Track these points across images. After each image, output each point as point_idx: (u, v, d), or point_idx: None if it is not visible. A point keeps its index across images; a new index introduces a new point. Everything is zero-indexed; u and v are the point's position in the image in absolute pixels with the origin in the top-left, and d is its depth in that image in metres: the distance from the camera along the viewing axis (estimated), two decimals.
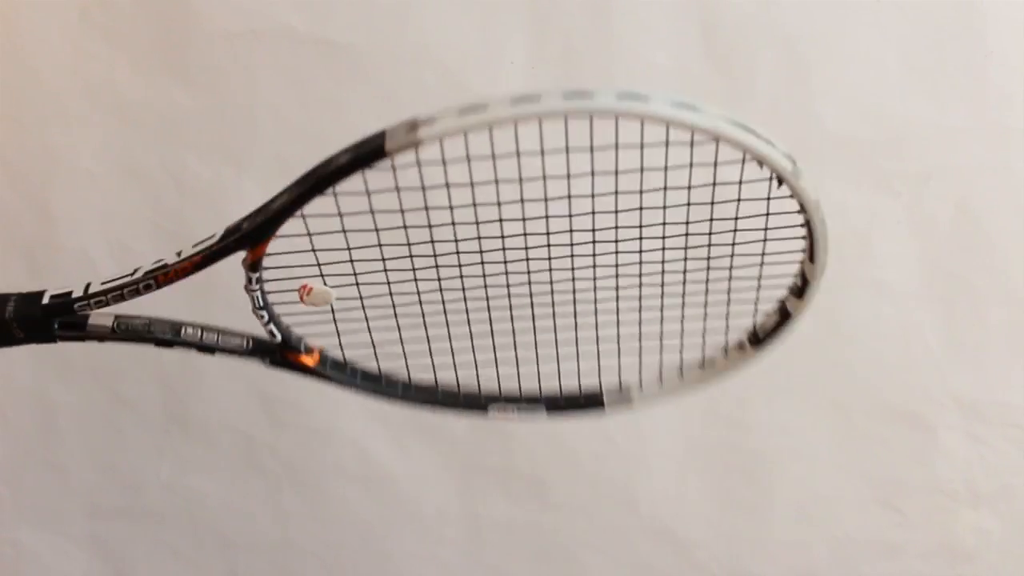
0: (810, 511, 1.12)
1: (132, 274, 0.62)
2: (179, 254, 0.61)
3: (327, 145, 0.53)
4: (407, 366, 0.69)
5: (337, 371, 0.69)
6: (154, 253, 1.06)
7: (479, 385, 0.71)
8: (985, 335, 1.08)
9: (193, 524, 1.13)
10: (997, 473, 1.10)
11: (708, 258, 0.62)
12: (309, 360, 0.68)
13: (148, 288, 0.61)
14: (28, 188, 1.07)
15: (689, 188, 0.58)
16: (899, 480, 1.11)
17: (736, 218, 0.60)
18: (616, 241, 0.61)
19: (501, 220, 0.59)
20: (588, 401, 0.71)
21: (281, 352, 0.67)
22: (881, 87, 1.04)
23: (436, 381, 0.70)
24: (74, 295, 0.62)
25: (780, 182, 0.55)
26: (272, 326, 0.65)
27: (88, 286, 0.62)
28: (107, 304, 0.62)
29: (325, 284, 0.64)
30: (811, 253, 0.60)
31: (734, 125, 0.52)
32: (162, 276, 0.61)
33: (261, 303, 0.64)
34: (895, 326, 1.08)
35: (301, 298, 0.64)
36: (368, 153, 0.53)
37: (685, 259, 0.63)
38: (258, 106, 1.05)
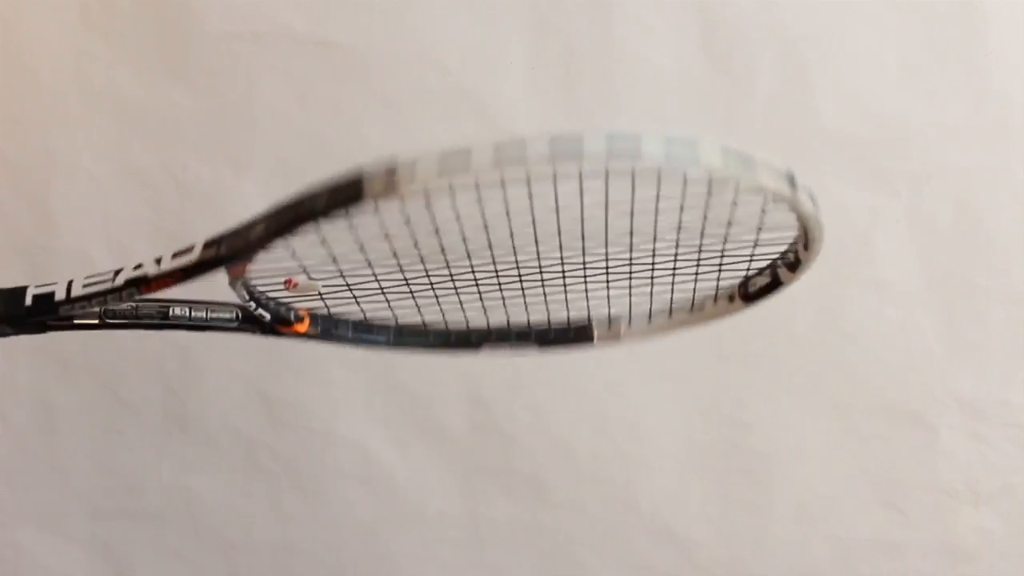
0: (811, 510, 1.12)
1: (113, 279, 0.61)
2: (158, 262, 0.60)
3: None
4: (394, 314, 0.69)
5: (327, 329, 0.69)
6: (154, 254, 1.06)
7: (468, 324, 0.71)
8: (986, 334, 1.08)
9: (193, 525, 1.13)
10: (998, 472, 1.10)
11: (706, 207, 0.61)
12: (300, 327, 0.68)
13: (131, 296, 0.61)
14: (28, 188, 1.07)
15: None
16: (900, 479, 1.11)
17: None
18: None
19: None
20: (578, 335, 0.73)
21: (271, 325, 0.67)
22: (881, 87, 1.04)
23: (425, 324, 0.70)
24: (57, 297, 0.62)
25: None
26: (261, 311, 0.66)
27: (70, 286, 0.61)
28: (92, 308, 0.62)
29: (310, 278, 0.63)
30: (805, 242, 0.60)
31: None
32: (144, 287, 0.61)
33: (247, 296, 0.64)
34: (896, 325, 1.08)
35: (287, 288, 0.64)
36: (345, 200, 0.50)
37: (681, 208, 0.62)
38: (258, 107, 1.05)
